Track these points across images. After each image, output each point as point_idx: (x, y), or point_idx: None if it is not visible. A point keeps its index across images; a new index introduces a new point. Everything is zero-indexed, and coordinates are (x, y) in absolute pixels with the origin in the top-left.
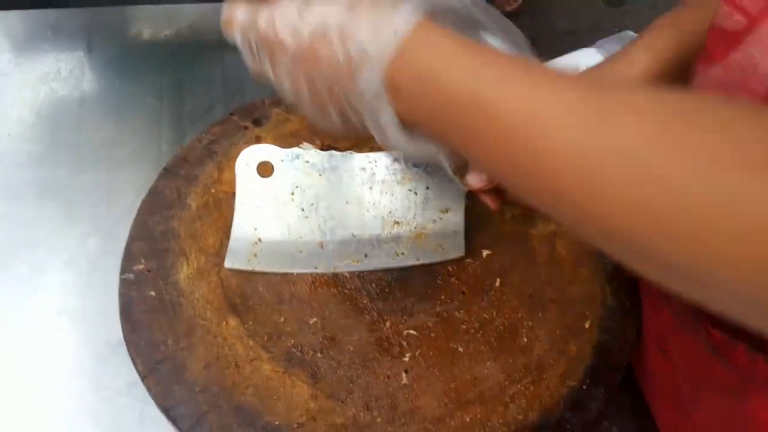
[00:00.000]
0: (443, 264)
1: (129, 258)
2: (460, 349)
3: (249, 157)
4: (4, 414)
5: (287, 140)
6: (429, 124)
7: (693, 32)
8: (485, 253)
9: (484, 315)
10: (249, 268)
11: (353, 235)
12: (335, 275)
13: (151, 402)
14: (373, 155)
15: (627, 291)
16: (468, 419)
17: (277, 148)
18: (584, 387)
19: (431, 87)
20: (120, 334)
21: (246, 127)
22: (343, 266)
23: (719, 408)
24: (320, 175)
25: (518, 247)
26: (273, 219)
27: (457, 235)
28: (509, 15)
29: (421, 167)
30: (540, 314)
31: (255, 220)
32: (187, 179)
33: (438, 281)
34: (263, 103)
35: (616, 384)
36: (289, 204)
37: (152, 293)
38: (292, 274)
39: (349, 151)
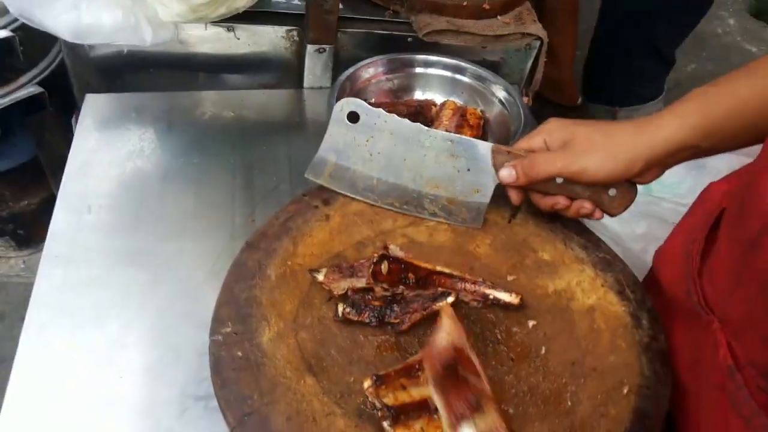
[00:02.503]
0: (493, 333)
1: (218, 321)
2: (511, 411)
3: (344, 105)
4: None
5: (352, 218)
6: None
7: (724, 108)
8: (531, 323)
9: (532, 379)
10: (323, 183)
11: (401, 185)
12: (398, 340)
13: None
14: (435, 132)
15: (661, 361)
16: None
17: (366, 104)
18: None
19: None
20: (202, 390)
21: (316, 207)
22: (386, 205)
23: None
24: (391, 134)
25: (561, 319)
26: (349, 153)
27: (480, 211)
28: (571, 109)
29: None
30: (582, 380)
31: (336, 150)
32: (266, 252)
33: (489, 348)
34: None
35: None
36: (363, 147)
37: (239, 353)
38: (361, 338)
39: (419, 125)
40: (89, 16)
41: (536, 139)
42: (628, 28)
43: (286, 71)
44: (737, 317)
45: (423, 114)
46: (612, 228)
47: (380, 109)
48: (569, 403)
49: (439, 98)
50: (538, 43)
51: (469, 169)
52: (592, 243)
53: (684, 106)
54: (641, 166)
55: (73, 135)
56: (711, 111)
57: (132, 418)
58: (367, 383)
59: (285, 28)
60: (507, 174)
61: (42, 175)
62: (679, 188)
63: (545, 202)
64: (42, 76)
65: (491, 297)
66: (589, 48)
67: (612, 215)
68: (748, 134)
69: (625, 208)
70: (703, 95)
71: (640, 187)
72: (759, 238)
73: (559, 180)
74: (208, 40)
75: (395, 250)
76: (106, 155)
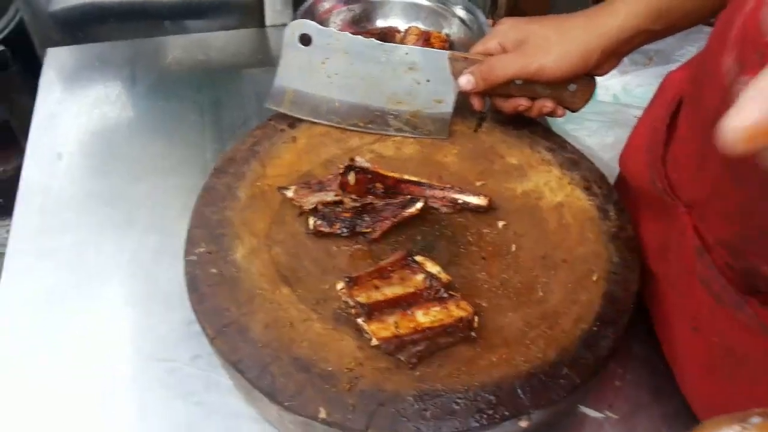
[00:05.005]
0: (464, 235)
1: (191, 243)
2: (484, 304)
3: (295, 27)
4: (83, 388)
5: (318, 139)
6: None
7: None
8: (501, 224)
9: (503, 275)
10: (284, 111)
11: (363, 104)
12: (370, 249)
13: (214, 371)
14: (389, 46)
15: (628, 248)
16: (495, 359)
17: (318, 25)
18: (595, 328)
19: None
20: (181, 315)
21: (283, 130)
22: (350, 126)
23: (761, 379)
24: (346, 53)
25: (530, 217)
26: (306, 78)
27: (444, 122)
28: None
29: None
30: (553, 272)
31: (293, 76)
32: (235, 176)
33: (461, 249)
34: None
35: (624, 325)
36: (320, 70)
37: (214, 270)
38: (333, 249)
39: (373, 40)
40: None
41: (492, 42)
42: None
43: (246, 11)
44: (702, 199)
45: (387, 41)
46: (583, 140)
47: (332, 29)
48: (541, 293)
49: (401, 24)
50: None
51: (428, 80)
52: (558, 145)
53: None
54: (597, 58)
55: None
56: None
57: (114, 348)
58: (340, 285)
59: None
60: (466, 81)
61: (14, 140)
62: (647, 96)
63: (507, 105)
64: (2, 34)
65: (460, 201)
66: None
67: (574, 110)
68: (697, 12)
69: (586, 102)
70: None
71: (607, 97)
72: (718, 116)
73: (519, 82)
74: None
75: (361, 161)
76: (72, 105)
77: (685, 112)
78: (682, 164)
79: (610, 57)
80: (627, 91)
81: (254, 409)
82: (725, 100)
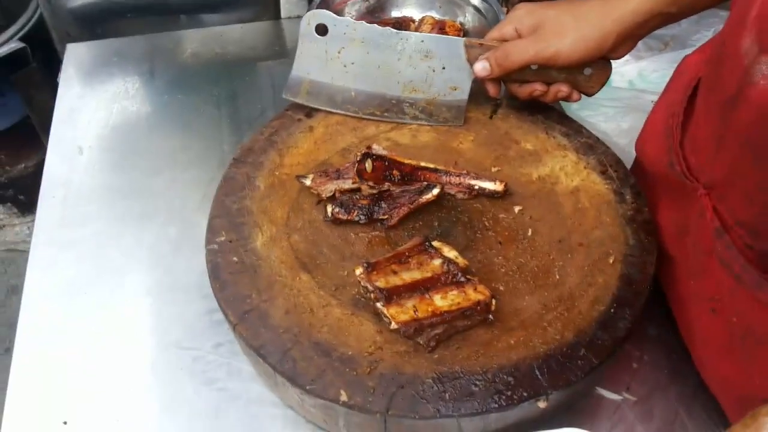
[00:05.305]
0: (480, 221)
1: (212, 232)
2: (501, 288)
3: (311, 17)
4: (108, 376)
5: (335, 128)
6: None
7: None
8: (517, 209)
9: (520, 259)
10: (301, 101)
11: (379, 93)
12: (387, 235)
13: (236, 358)
14: (404, 34)
15: (645, 231)
16: (512, 341)
17: (333, 14)
18: (612, 310)
19: None
20: (202, 305)
21: (300, 120)
22: (367, 115)
23: None
24: (362, 42)
25: (546, 202)
26: (323, 68)
27: (460, 109)
28: None
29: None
30: (569, 255)
31: (309, 67)
32: (254, 165)
33: (477, 235)
34: None
35: (641, 307)
36: (336, 59)
37: (235, 259)
38: (351, 236)
39: (389, 28)
40: None
41: (507, 28)
42: None
43: (262, 4)
44: (721, 179)
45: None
46: (598, 126)
47: (347, 18)
48: (557, 277)
49: (416, 14)
50: None
51: (444, 68)
52: (574, 130)
53: None
54: (613, 42)
55: None
56: None
57: (141, 335)
58: (358, 270)
59: None
60: (481, 67)
61: (35, 136)
62: (662, 81)
63: (523, 90)
64: (22, 32)
65: (476, 187)
66: None
67: (589, 95)
68: None
69: (602, 86)
70: None
71: (623, 83)
72: (737, 94)
73: (534, 67)
74: None
75: (378, 148)
76: (92, 100)
77: (703, 95)
78: (701, 146)
79: (626, 40)
80: (643, 76)
81: (276, 394)
82: (744, 81)
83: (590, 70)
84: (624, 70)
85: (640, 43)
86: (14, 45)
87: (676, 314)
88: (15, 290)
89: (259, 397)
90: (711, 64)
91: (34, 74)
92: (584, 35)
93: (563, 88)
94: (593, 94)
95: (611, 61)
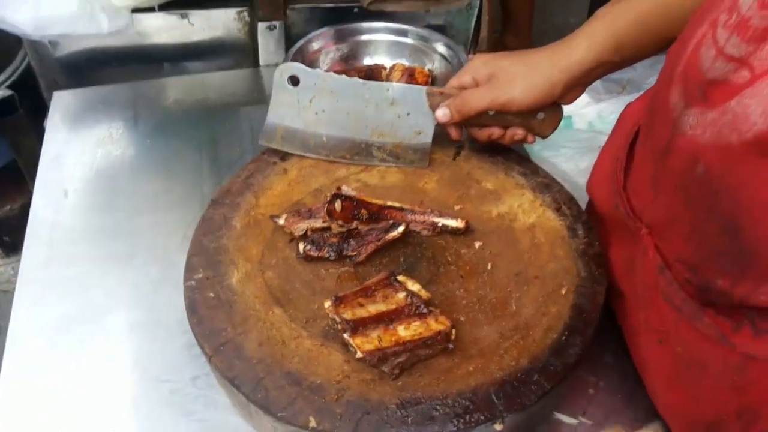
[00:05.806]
0: (443, 256)
1: (190, 269)
2: (462, 318)
3: (284, 70)
4: (91, 409)
5: (308, 170)
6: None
7: (627, 20)
8: (477, 244)
9: (480, 292)
10: (276, 147)
11: (349, 138)
12: (356, 271)
13: (212, 390)
14: (372, 84)
15: (596, 263)
16: (471, 368)
17: (304, 66)
18: (564, 338)
19: None
20: (181, 340)
21: (275, 162)
22: (338, 158)
23: (721, 386)
24: (332, 92)
25: (505, 238)
26: (296, 116)
27: (425, 152)
28: None
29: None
30: (525, 287)
31: (284, 114)
32: (231, 206)
33: (441, 269)
34: None
35: (591, 335)
36: (308, 108)
37: (211, 294)
38: (322, 272)
39: (356, 78)
40: (47, 8)
41: (465, 77)
42: None
43: (242, 52)
44: (660, 220)
45: (374, 77)
46: (559, 165)
47: (318, 70)
48: (514, 307)
49: (387, 62)
50: (478, 1)
51: (408, 114)
52: (531, 170)
53: (592, 25)
54: (561, 89)
55: None
56: (617, 26)
57: (123, 370)
58: (327, 303)
59: (235, 9)
60: (442, 114)
61: (21, 179)
62: None
63: (482, 134)
64: (11, 80)
65: (439, 224)
66: None
67: (543, 137)
68: (654, 44)
69: (554, 129)
70: (609, 13)
71: (583, 125)
72: (669, 143)
73: (491, 112)
74: (164, 29)
75: (347, 189)
76: (77, 145)
77: (641, 141)
78: (641, 190)
79: (574, 87)
80: (602, 118)
81: (251, 424)
82: (674, 131)
83: (543, 115)
84: (584, 112)
85: (600, 86)
86: (2, 93)
87: (629, 344)
88: None
89: (235, 427)
90: (647, 114)
91: (21, 120)
92: (534, 83)
93: (519, 132)
94: (547, 137)
95: (568, 105)
